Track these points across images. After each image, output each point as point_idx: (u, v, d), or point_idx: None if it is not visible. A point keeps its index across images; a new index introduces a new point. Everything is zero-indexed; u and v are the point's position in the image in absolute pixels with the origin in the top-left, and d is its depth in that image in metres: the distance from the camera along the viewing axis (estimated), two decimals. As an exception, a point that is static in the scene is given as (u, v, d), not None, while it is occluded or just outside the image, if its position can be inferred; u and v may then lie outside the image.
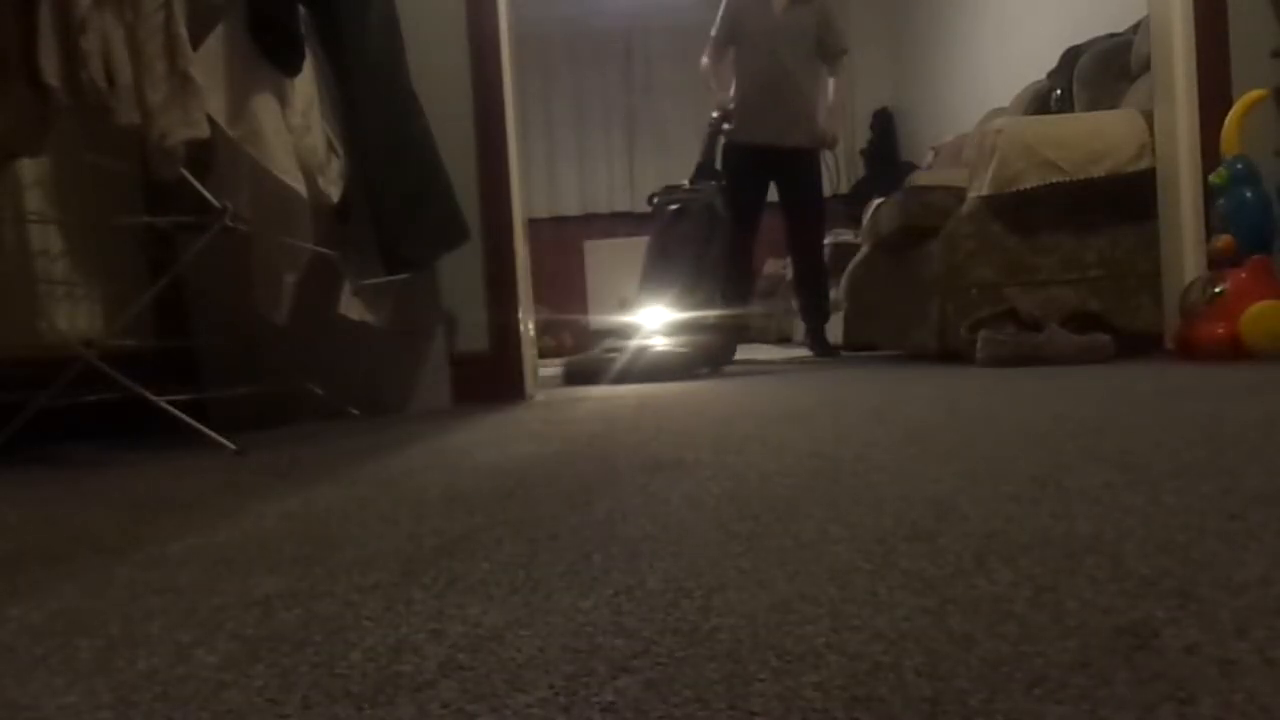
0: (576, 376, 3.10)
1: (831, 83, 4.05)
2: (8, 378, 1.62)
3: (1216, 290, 2.41)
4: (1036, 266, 2.87)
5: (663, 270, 3.54)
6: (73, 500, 1.18)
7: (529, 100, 6.76)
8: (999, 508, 0.73)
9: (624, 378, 2.95)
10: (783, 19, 3.88)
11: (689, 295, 3.40)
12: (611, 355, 3.08)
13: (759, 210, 4.03)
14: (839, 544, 0.65)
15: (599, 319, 7.59)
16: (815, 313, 4.32)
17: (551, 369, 4.05)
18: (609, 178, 7.30)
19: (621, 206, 7.28)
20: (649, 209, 3.77)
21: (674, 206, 3.63)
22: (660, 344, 3.17)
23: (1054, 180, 2.77)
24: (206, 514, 0.99)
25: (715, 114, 3.95)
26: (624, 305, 3.38)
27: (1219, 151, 2.52)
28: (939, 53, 6.14)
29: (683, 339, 3.22)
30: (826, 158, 4.04)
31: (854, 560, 0.60)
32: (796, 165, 3.95)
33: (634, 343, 3.16)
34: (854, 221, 4.84)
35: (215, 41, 1.61)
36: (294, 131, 1.78)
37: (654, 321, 3.36)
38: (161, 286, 1.79)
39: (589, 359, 3.22)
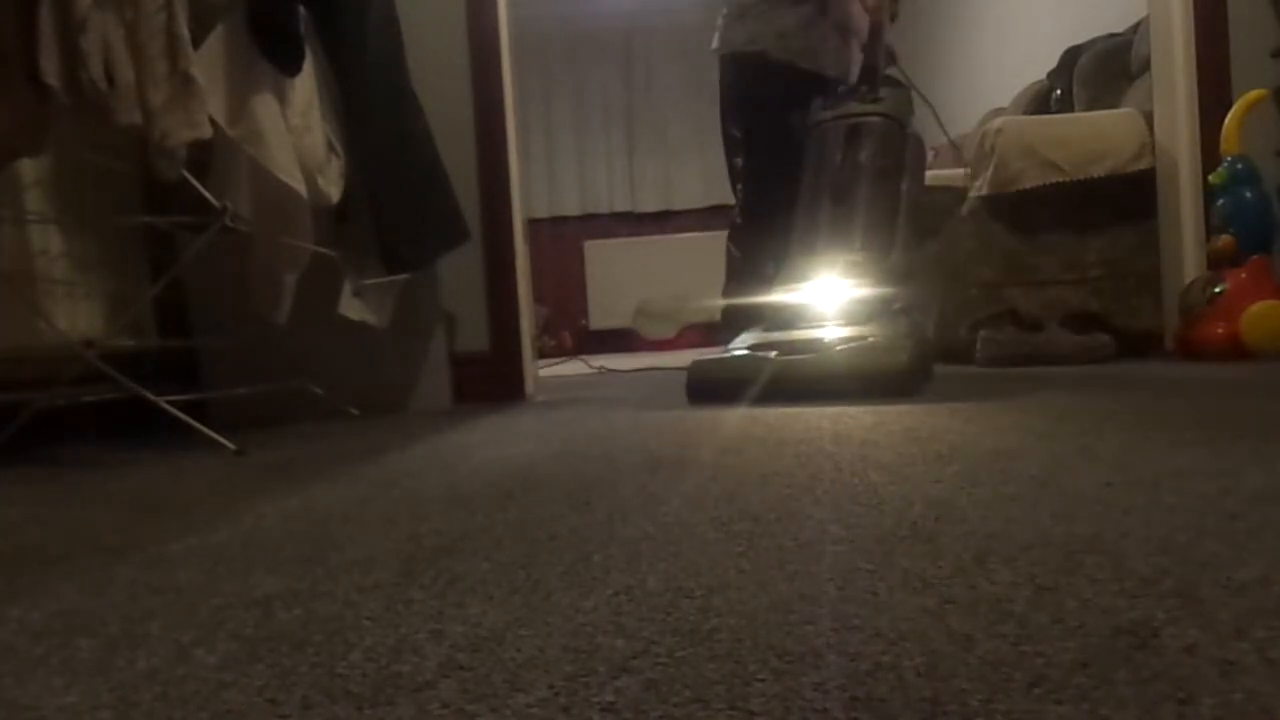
0: (704, 387, 1.99)
1: None
2: (8, 378, 1.62)
3: (1216, 290, 2.41)
4: (1036, 266, 2.87)
5: (836, 218, 2.20)
6: (73, 500, 1.18)
7: (529, 100, 6.76)
8: (999, 508, 0.73)
9: (784, 390, 1.82)
10: None
11: (882, 258, 2.10)
12: (760, 356, 1.93)
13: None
14: (839, 544, 0.65)
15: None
16: None
17: (551, 368, 4.05)
18: (609, 178, 7.28)
19: (621, 206, 7.28)
20: (813, 126, 2.37)
21: (846, 120, 2.30)
22: (844, 338, 1.90)
23: (1054, 180, 2.77)
24: (206, 514, 0.99)
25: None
26: (772, 278, 2.17)
27: (1219, 151, 2.52)
28: (939, 53, 6.14)
29: (882, 331, 1.90)
30: None
31: (854, 560, 0.60)
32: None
33: (799, 334, 1.96)
34: (854, 221, 4.83)
35: (215, 41, 1.61)
36: (294, 131, 1.78)
37: (825, 299, 2.04)
38: (161, 286, 1.79)
39: (726, 363, 2.03)
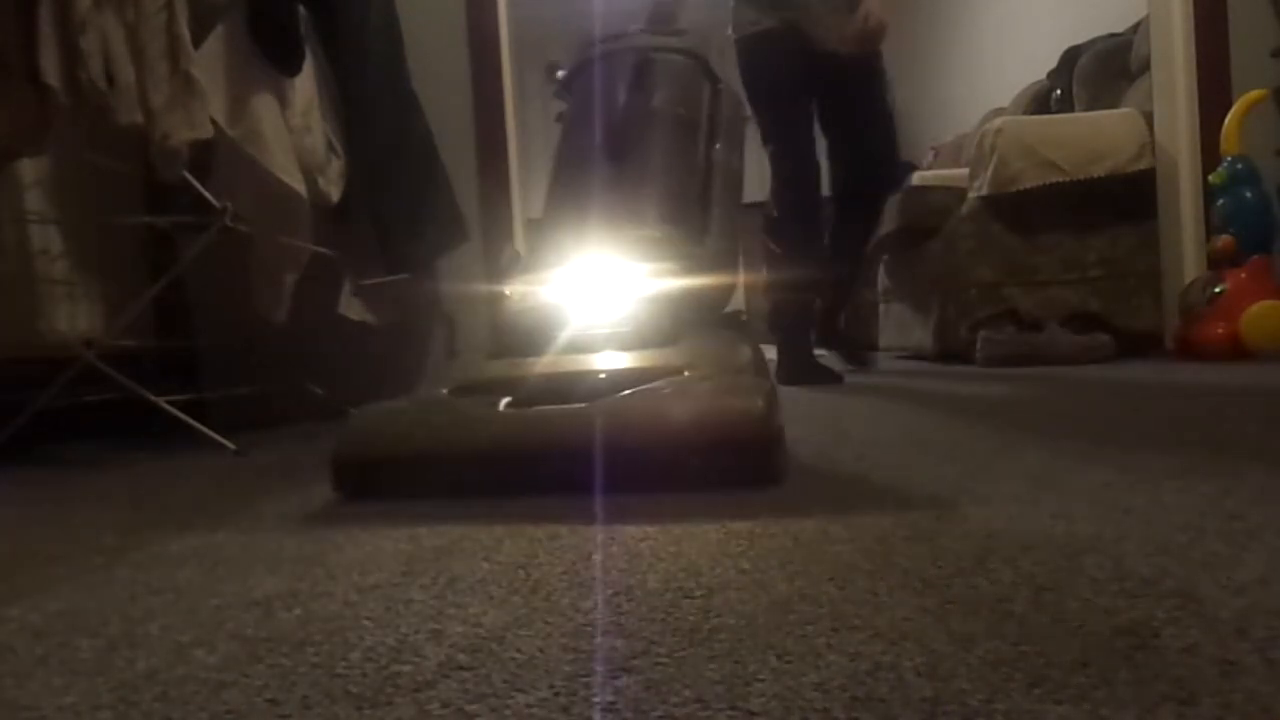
0: (365, 470, 1.00)
1: None
2: (8, 378, 1.62)
3: (1216, 290, 2.41)
4: (1036, 266, 2.87)
5: (617, 179, 1.40)
6: (73, 500, 1.18)
7: (529, 100, 6.76)
8: (999, 508, 0.73)
9: (525, 473, 0.94)
10: None
11: (692, 239, 1.32)
12: (479, 406, 1.03)
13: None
14: (839, 544, 0.65)
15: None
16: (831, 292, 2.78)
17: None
18: (609, 178, 7.29)
19: (621, 206, 7.27)
20: (582, 63, 1.63)
21: (632, 53, 1.56)
22: (639, 372, 1.04)
23: (1054, 180, 2.77)
24: (206, 514, 0.99)
25: None
26: (510, 266, 1.30)
27: (1219, 151, 2.52)
28: (939, 53, 6.14)
29: (708, 360, 1.06)
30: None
31: (854, 560, 0.60)
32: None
33: (557, 364, 1.09)
34: (854, 221, 4.82)
35: (215, 41, 1.62)
36: (294, 131, 1.78)
37: (601, 300, 1.19)
38: (161, 286, 1.79)
39: (410, 421, 1.04)
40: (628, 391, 0.96)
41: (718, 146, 1.54)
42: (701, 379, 1.01)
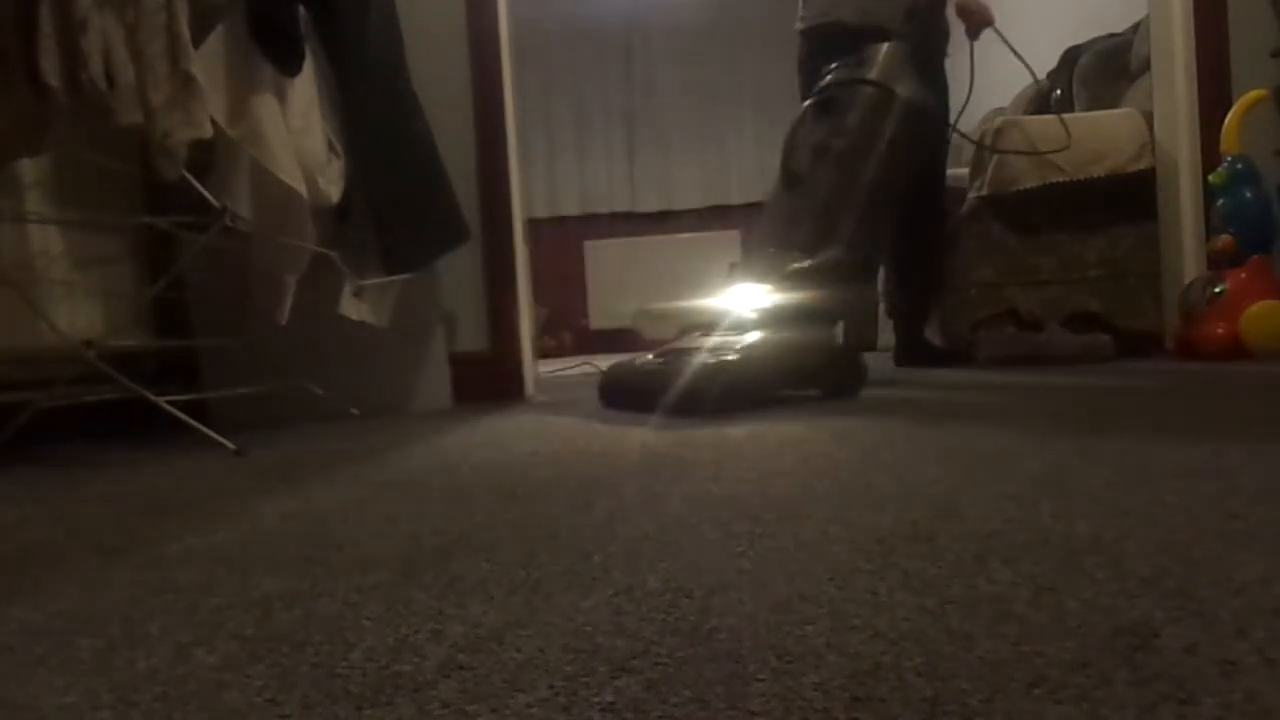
0: (617, 393, 1.97)
1: None
2: (8, 378, 1.62)
3: (1216, 290, 2.41)
4: (1036, 266, 2.87)
5: (788, 208, 2.10)
6: (73, 500, 1.18)
7: (529, 100, 6.75)
8: (999, 508, 0.73)
9: (694, 402, 1.69)
10: None
11: (824, 256, 1.94)
12: (676, 365, 1.79)
13: None
14: (839, 544, 0.65)
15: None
16: (911, 300, 2.95)
17: (552, 368, 4.05)
18: (609, 178, 7.28)
19: (621, 206, 7.27)
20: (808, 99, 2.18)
21: (820, 94, 2.12)
22: (757, 345, 1.83)
23: (1054, 180, 2.77)
24: (206, 514, 0.99)
25: None
26: (729, 279, 2.08)
27: (1219, 151, 2.52)
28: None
29: (793, 338, 1.87)
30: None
31: (854, 560, 0.60)
32: None
33: (714, 341, 1.87)
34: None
35: (215, 41, 1.61)
36: (294, 132, 1.77)
37: (753, 305, 1.97)
38: (161, 286, 1.79)
39: (640, 370, 1.94)
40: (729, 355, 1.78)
41: (876, 163, 1.99)
42: (738, 352, 1.79)
